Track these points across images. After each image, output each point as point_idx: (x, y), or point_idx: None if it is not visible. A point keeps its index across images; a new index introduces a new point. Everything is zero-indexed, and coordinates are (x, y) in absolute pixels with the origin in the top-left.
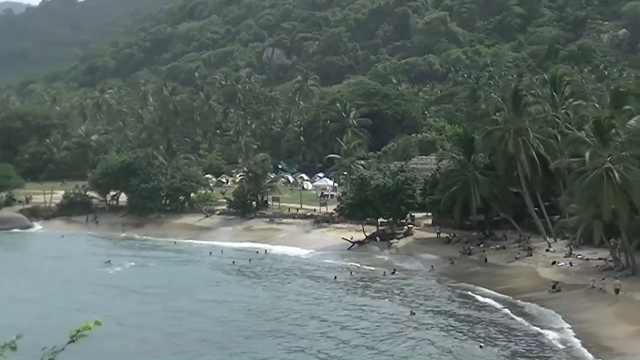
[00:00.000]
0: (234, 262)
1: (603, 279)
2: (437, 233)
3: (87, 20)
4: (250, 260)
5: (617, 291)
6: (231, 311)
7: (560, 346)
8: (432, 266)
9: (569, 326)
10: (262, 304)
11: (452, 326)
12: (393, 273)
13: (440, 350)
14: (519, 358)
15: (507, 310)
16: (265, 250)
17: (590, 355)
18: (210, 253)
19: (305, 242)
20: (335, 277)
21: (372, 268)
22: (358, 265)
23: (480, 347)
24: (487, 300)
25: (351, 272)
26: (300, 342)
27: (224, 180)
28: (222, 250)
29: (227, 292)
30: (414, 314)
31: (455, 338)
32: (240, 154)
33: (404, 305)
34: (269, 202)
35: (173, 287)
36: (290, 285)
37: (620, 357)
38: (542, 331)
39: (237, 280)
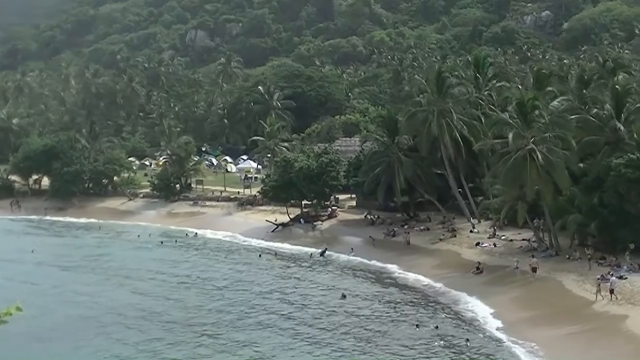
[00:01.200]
0: (162, 242)
1: (532, 256)
2: (365, 216)
3: (7, 2)
4: (176, 241)
5: (534, 270)
6: (166, 290)
7: (479, 324)
8: (352, 248)
9: (487, 305)
10: (192, 285)
11: (383, 308)
12: (322, 254)
13: (376, 331)
14: (446, 335)
15: (431, 291)
16: (196, 233)
17: (503, 335)
18: (139, 236)
19: (230, 225)
20: (260, 255)
21: (297, 249)
22: (283, 246)
23: (417, 326)
24: (411, 281)
25: (275, 254)
26: (231, 321)
27: (147, 163)
28: (150, 234)
29: (158, 272)
30: (345, 297)
31: (387, 319)
32: (163, 136)
33: (334, 288)
34: (192, 185)
35: (106, 270)
36: (218, 266)
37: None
38: (463, 311)
39: (168, 262)
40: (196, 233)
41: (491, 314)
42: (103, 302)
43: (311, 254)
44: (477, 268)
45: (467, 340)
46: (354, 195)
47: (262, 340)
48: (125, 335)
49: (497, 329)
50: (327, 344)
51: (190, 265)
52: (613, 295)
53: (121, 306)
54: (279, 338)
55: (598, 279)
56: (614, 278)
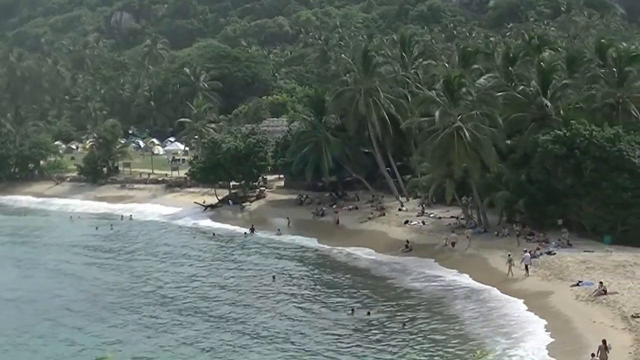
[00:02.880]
0: (97, 228)
1: (452, 231)
2: (300, 197)
3: None
4: (112, 227)
5: (453, 244)
6: (97, 276)
7: (408, 304)
8: (278, 229)
9: (415, 283)
10: (133, 270)
11: (313, 289)
12: (252, 233)
13: (310, 316)
14: (380, 320)
15: (361, 270)
16: (131, 216)
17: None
18: (71, 217)
19: (159, 207)
20: (195, 237)
21: (227, 230)
22: (213, 227)
23: (352, 310)
24: (340, 260)
25: (214, 234)
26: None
27: (73, 146)
28: (79, 216)
29: (94, 259)
30: (275, 278)
31: (318, 302)
32: (89, 120)
33: (263, 271)
34: (120, 168)
35: (40, 258)
36: (154, 248)
37: None
38: (391, 290)
39: (106, 247)
40: (131, 216)
41: (420, 292)
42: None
43: (245, 232)
44: (406, 246)
45: (404, 324)
46: (282, 176)
47: (192, 326)
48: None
49: (427, 309)
50: (257, 329)
51: (123, 247)
52: (527, 271)
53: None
54: (209, 318)
55: (509, 255)
56: (527, 254)
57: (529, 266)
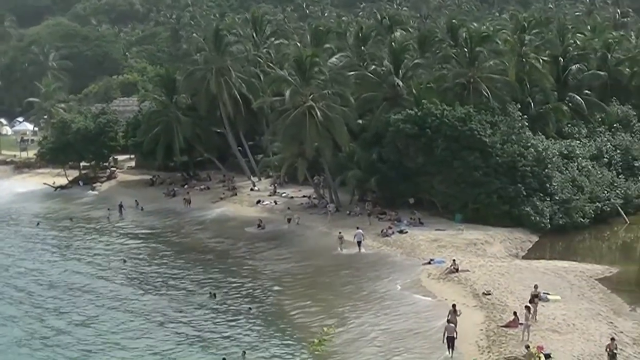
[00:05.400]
0: None
1: (288, 208)
2: (151, 178)
3: None
4: None
5: (289, 220)
6: None
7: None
8: (142, 207)
9: (262, 263)
10: None
11: (168, 272)
12: (121, 212)
13: (157, 301)
14: (226, 302)
15: (213, 251)
16: None
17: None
18: None
19: (6, 189)
20: (38, 224)
21: (80, 213)
22: (63, 210)
23: (214, 294)
24: (191, 242)
25: (73, 219)
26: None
27: None
28: None
29: None
30: (126, 261)
31: (172, 284)
32: None
33: (115, 253)
34: None
35: None
36: None
37: None
38: (239, 269)
39: None
40: None
41: (268, 272)
42: None
43: (109, 216)
44: (259, 225)
45: (250, 308)
46: (133, 156)
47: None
48: None
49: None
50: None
51: None
52: (360, 248)
53: None
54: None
55: (340, 232)
56: (359, 231)
57: (361, 243)
